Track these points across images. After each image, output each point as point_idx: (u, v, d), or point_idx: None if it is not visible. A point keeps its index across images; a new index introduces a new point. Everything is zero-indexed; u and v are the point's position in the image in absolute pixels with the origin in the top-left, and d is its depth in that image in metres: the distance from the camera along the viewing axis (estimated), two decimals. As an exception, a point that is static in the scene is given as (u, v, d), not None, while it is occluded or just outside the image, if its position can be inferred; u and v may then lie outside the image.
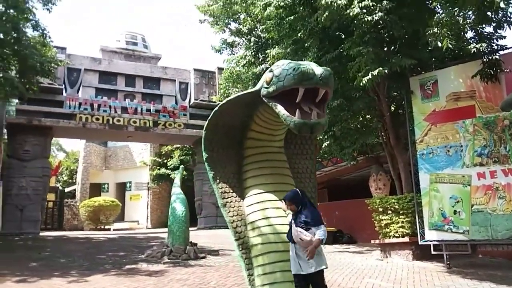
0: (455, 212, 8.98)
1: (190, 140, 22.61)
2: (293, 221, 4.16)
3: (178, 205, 11.20)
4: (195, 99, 22.33)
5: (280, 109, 3.89)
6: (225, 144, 5.11)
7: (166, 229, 11.87)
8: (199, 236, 14.94)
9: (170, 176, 26.57)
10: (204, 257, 10.69)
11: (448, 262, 8.98)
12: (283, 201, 4.34)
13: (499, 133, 8.69)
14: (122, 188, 31.16)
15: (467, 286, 7.07)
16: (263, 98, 4.15)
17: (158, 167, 28.34)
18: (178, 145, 27.65)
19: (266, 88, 4.06)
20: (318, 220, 4.17)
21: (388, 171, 13.21)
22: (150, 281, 7.69)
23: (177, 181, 12.13)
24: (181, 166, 13.81)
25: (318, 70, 3.71)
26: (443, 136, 9.46)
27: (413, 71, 10.06)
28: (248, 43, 15.96)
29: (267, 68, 12.35)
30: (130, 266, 9.24)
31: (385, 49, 10.23)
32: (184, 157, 27.45)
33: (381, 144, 12.64)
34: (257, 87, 4.34)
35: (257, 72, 12.78)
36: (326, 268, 4.19)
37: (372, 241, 11.31)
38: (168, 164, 27.76)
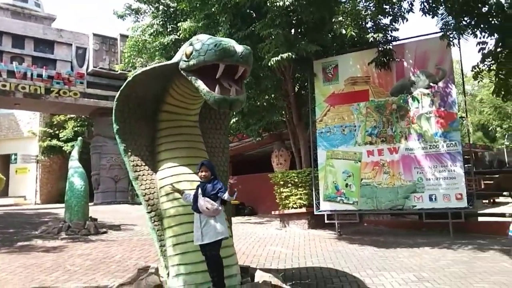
0: (346, 185, 9.97)
1: (87, 110, 21.20)
2: (200, 191, 4.13)
3: (76, 179, 10.57)
4: (93, 67, 20.85)
5: (200, 84, 3.92)
6: (138, 116, 4.99)
7: (58, 205, 11.20)
8: (98, 212, 14.31)
9: (63, 148, 24.67)
10: (105, 232, 10.33)
11: (339, 230, 10.01)
12: (199, 166, 4.24)
13: (388, 115, 9.79)
14: (6, 161, 28.08)
15: (354, 250, 7.99)
16: (182, 72, 4.13)
17: (49, 138, 26.05)
18: (73, 115, 25.69)
19: (185, 61, 4.04)
20: (223, 192, 4.21)
21: (290, 148, 14.02)
22: (48, 257, 7.25)
23: (74, 154, 11.38)
24: (79, 138, 12.95)
25: (239, 48, 3.81)
26: (340, 117, 10.33)
27: (317, 55, 10.71)
28: (156, 11, 15.26)
29: (176, 40, 12.14)
30: (23, 243, 8.56)
31: (293, 32, 10.69)
32: (79, 128, 25.62)
33: (285, 122, 13.29)
34: (174, 60, 4.29)
35: (165, 43, 12.35)
36: (227, 238, 4.20)
37: (273, 212, 12.04)
38: (61, 135, 25.64)
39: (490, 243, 8.05)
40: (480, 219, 9.96)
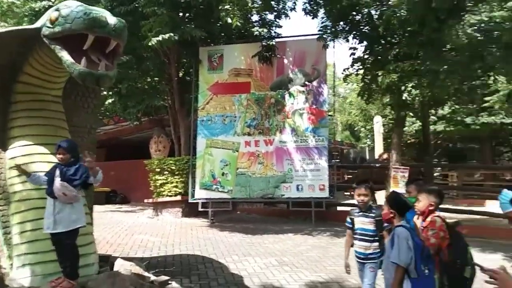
0: (223, 173, 10.13)
1: None
2: (58, 173, 3.70)
3: None
4: None
5: (64, 54, 3.53)
6: None
7: None
8: None
9: None
10: None
11: (212, 218, 10.13)
12: (57, 147, 3.75)
13: (266, 109, 10.19)
14: None
15: (224, 237, 8.17)
16: (45, 39, 3.68)
17: None
18: None
19: (49, 28, 3.60)
20: (88, 177, 3.87)
21: (169, 134, 13.71)
22: None
23: None
24: None
25: (112, 19, 3.50)
26: (221, 106, 10.42)
27: (204, 42, 10.60)
28: (26, -29, 13.43)
29: (50, 7, 10.80)
30: None
31: (181, 15, 10.40)
32: None
33: (166, 108, 12.93)
34: (37, 25, 3.80)
35: (37, 9, 10.96)
36: (84, 226, 3.87)
37: (146, 201, 11.66)
38: None
39: (345, 230, 8.94)
40: (340, 208, 11.02)
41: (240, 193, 9.95)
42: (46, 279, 3.98)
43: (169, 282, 4.86)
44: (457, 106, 10.41)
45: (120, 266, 4.77)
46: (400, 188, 8.45)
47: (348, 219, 3.93)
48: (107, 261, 4.92)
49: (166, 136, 14.27)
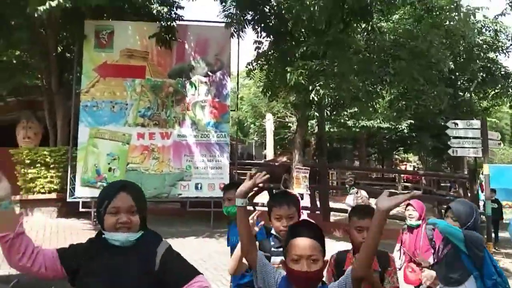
0: (110, 169, 8.87)
1: None
2: None
3: None
4: None
5: None
6: None
7: None
8: None
9: None
10: None
11: (95, 220, 8.78)
12: None
13: (163, 98, 9.20)
14: None
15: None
16: None
17: None
18: None
19: None
20: None
21: (43, 119, 11.72)
22: None
23: None
24: None
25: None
26: (110, 91, 9.11)
27: (92, 15, 9.11)
28: None
29: None
30: None
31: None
32: None
33: (40, 88, 10.98)
34: None
35: None
36: None
37: (13, 198, 9.64)
38: None
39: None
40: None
41: (129, 191, 8.80)
42: None
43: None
44: (355, 109, 10.83)
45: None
46: (302, 189, 8.35)
47: None
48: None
49: (38, 121, 12.18)
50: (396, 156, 34.24)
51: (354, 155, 30.49)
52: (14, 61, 10.47)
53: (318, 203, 10.44)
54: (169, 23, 9.09)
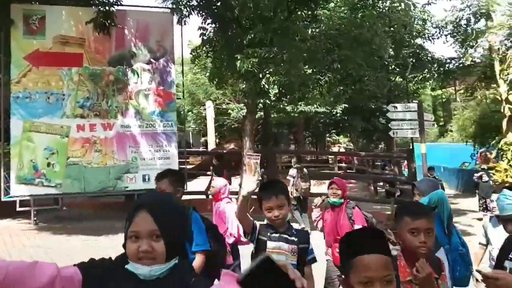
0: (49, 164, 8.30)
1: None
2: None
3: None
4: None
5: None
6: None
7: None
8: None
9: None
10: None
11: (35, 219, 8.22)
12: None
13: (104, 87, 8.74)
14: None
15: (60, 243, 6.67)
16: None
17: None
18: None
19: None
20: None
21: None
22: None
23: None
24: None
25: None
26: (44, 81, 8.46)
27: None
28: None
29: None
30: None
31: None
32: None
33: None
34: None
35: None
36: None
37: None
38: None
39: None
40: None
41: (72, 187, 8.34)
42: None
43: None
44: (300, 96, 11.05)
45: None
46: (256, 175, 8.46)
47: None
48: None
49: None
50: (328, 139, 35.76)
51: (290, 139, 31.35)
52: None
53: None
54: (106, 7, 8.58)
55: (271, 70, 7.30)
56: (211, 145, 19.24)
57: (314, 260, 2.58)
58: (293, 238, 2.39)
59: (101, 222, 8.45)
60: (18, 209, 8.20)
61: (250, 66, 7.29)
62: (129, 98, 8.87)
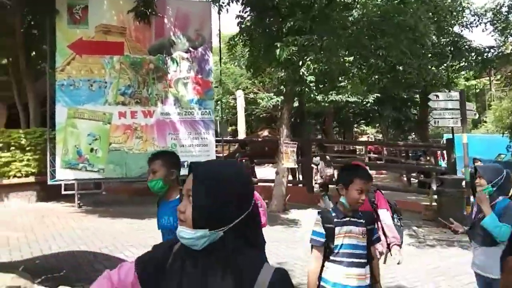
0: (92, 150, 8.58)
1: None
2: None
3: None
4: None
5: None
6: None
7: None
8: None
9: None
10: None
11: (79, 202, 8.54)
12: None
13: (144, 75, 8.92)
14: None
15: (105, 225, 6.92)
16: None
17: None
18: None
19: None
20: None
21: (5, 100, 11.09)
22: None
23: None
24: None
25: None
26: (87, 69, 8.70)
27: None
28: None
29: None
30: None
31: None
32: None
33: (5, 67, 10.30)
34: None
35: None
36: None
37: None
38: None
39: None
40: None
41: (114, 172, 8.60)
42: None
43: (68, 294, 3.72)
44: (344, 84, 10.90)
45: (-2, 283, 3.45)
46: (291, 163, 8.51)
47: (319, 230, 2.40)
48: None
49: (1, 102, 11.54)
50: (355, 129, 35.35)
51: (317, 129, 31.17)
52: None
53: (300, 176, 10.71)
54: (146, -4, 8.71)
55: (311, 58, 7.27)
56: (241, 134, 19.34)
57: (378, 239, 2.66)
58: (361, 220, 2.41)
59: (140, 207, 8.66)
60: (63, 192, 8.55)
61: (289, 54, 7.29)
62: (169, 86, 9.02)
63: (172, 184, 2.39)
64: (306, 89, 8.90)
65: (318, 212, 2.56)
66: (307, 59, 7.32)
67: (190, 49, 9.16)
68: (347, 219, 2.40)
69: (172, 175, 2.37)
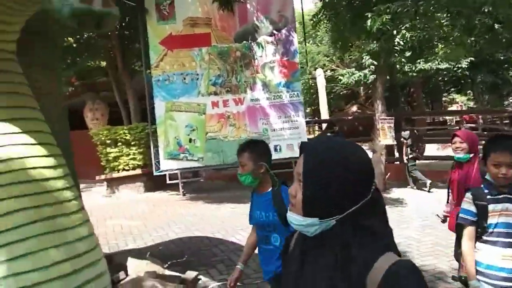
0: (190, 140, 8.97)
1: None
2: None
3: None
4: None
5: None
6: None
7: None
8: None
9: None
10: None
11: (183, 190, 9.04)
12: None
13: (232, 63, 9.06)
14: None
15: (210, 211, 7.24)
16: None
17: None
18: None
19: None
20: None
21: (106, 99, 11.99)
22: None
23: None
24: None
25: None
26: (179, 63, 9.06)
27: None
28: None
29: None
30: None
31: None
32: None
33: (101, 69, 11.13)
34: None
35: None
36: None
37: (97, 177, 10.07)
38: None
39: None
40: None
41: (212, 160, 8.93)
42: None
43: (198, 277, 3.93)
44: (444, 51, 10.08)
45: (135, 267, 3.72)
46: (389, 139, 8.13)
47: (470, 208, 2.23)
48: (110, 261, 3.80)
49: (102, 101, 12.51)
50: (444, 99, 32.92)
51: (401, 102, 29.58)
52: (74, 44, 10.59)
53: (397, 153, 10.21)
54: (230, -16, 8.77)
55: (406, 25, 6.79)
56: (324, 115, 18.97)
57: None
58: None
59: (237, 191, 8.94)
60: (168, 182, 9.10)
61: (381, 24, 6.87)
62: (256, 72, 9.07)
63: (262, 177, 2.26)
64: (403, 59, 8.36)
65: (468, 189, 2.37)
66: (402, 27, 6.85)
67: (274, 31, 9.08)
68: (503, 196, 2.17)
69: (260, 168, 2.23)
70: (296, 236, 1.10)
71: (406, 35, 6.86)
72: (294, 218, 0.98)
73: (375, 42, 7.55)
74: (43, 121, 3.42)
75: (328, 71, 22.43)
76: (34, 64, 3.73)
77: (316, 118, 21.03)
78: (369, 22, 6.96)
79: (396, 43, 7.08)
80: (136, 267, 3.73)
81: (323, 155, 0.96)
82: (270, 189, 2.26)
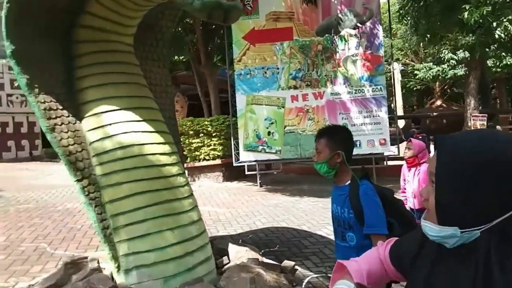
0: (269, 133, 9.12)
1: None
2: None
3: None
4: None
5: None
6: (45, 31, 3.10)
7: None
8: None
9: None
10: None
11: (260, 181, 9.24)
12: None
13: (313, 57, 9.04)
14: None
15: (290, 202, 7.32)
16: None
17: None
18: None
19: None
20: None
21: (185, 92, 12.49)
22: None
23: None
24: None
25: None
26: (261, 57, 9.22)
27: (234, -18, 9.18)
28: None
29: None
30: None
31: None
32: None
33: (184, 62, 11.62)
34: None
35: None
36: None
37: (180, 166, 10.57)
38: None
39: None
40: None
41: (290, 153, 9.02)
42: (169, 283, 3.04)
43: (295, 267, 4.01)
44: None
45: (236, 253, 3.89)
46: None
47: None
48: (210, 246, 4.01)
49: (182, 94, 13.09)
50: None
51: (478, 99, 27.64)
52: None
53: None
54: (314, -22, 8.76)
55: (509, 17, 6.35)
56: (399, 110, 18.28)
57: None
58: None
59: (314, 185, 8.97)
60: (247, 173, 9.34)
61: (480, 17, 6.48)
62: (337, 66, 8.98)
63: (340, 167, 2.04)
64: (503, 53, 7.84)
65: None
66: (504, 19, 6.41)
67: (358, 24, 8.91)
68: None
69: (338, 157, 2.02)
70: (428, 244, 0.94)
71: (509, 28, 6.42)
72: (429, 228, 0.85)
73: (470, 35, 7.15)
74: (158, 109, 3.68)
75: (401, 65, 21.55)
76: (146, 57, 4.03)
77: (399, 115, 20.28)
78: (465, 14, 6.61)
79: (496, 36, 6.64)
80: (236, 253, 3.89)
81: (464, 154, 0.80)
82: (348, 183, 2.06)
